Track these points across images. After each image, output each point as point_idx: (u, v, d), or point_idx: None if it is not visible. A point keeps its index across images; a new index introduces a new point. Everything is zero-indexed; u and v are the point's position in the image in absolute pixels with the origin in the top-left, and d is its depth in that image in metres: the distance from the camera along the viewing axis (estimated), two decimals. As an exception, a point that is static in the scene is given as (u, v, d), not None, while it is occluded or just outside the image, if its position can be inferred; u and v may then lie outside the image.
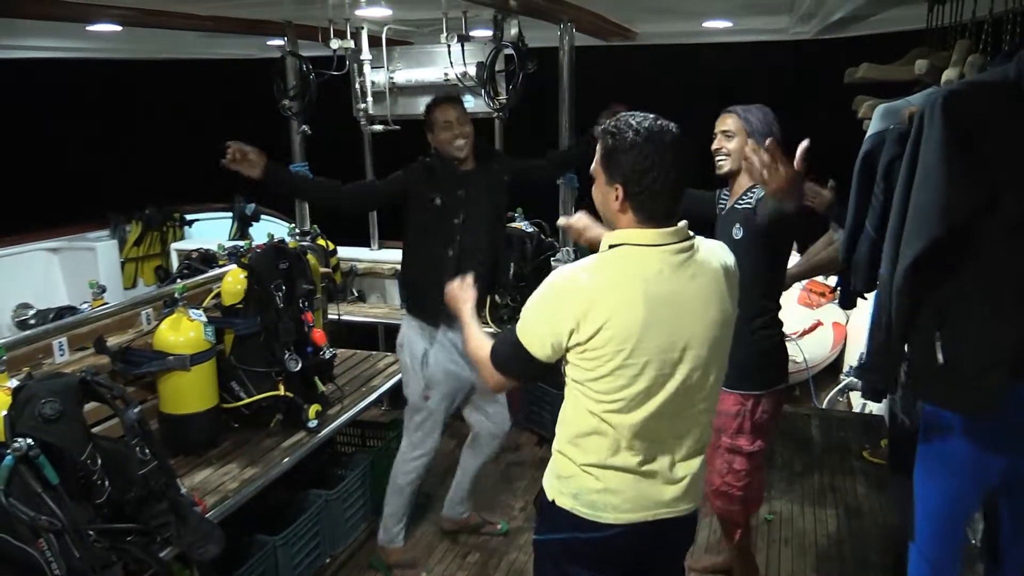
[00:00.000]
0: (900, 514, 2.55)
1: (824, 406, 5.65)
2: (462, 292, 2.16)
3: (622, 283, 1.71)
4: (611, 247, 1.76)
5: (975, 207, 1.79)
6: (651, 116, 1.73)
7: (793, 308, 6.18)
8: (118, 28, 4.13)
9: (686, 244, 1.75)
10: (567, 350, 1.75)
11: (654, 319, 1.69)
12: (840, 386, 5.74)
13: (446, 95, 3.26)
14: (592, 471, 1.82)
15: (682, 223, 1.77)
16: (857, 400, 5.52)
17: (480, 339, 1.98)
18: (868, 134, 2.28)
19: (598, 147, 1.78)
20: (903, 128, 2.05)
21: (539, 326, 1.77)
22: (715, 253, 1.84)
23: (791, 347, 5.70)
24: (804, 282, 6.03)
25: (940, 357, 1.87)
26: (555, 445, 1.91)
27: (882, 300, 2.00)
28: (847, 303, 2.94)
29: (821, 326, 6.26)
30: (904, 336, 1.94)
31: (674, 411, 1.78)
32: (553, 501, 1.88)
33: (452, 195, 3.07)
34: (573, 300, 1.71)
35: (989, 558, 2.40)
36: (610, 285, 1.71)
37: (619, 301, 1.69)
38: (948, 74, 2.24)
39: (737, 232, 2.63)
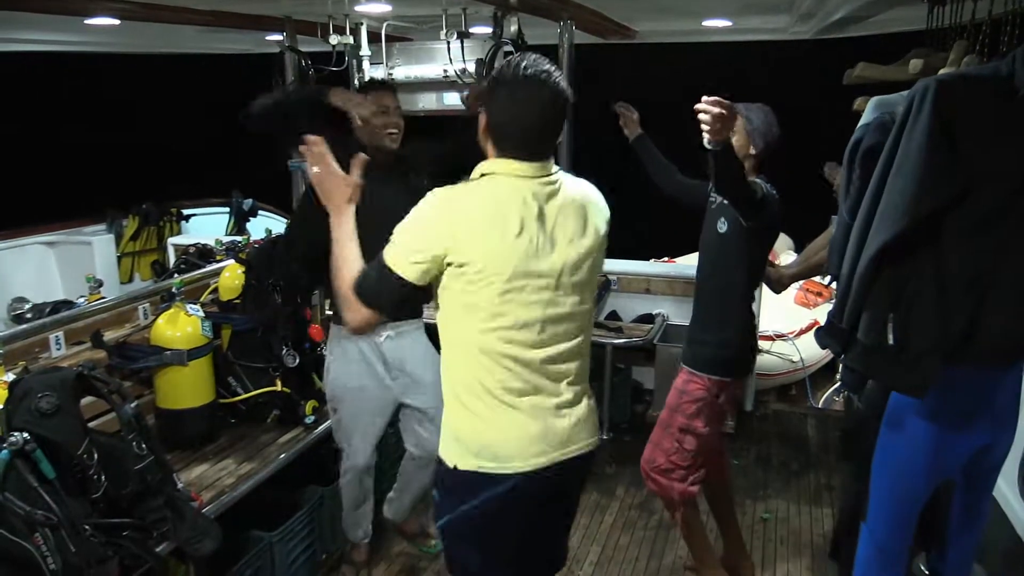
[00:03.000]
0: (844, 499, 2.59)
1: (820, 405, 5.67)
2: (343, 181, 1.89)
3: (495, 207, 1.73)
4: (481, 175, 1.80)
5: (948, 198, 1.81)
6: (534, 61, 1.76)
7: (790, 307, 6.18)
8: (116, 22, 4.12)
9: (552, 178, 1.81)
10: (442, 272, 1.74)
11: (528, 243, 1.72)
12: (836, 386, 5.76)
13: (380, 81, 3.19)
14: (488, 417, 1.79)
15: (547, 161, 1.81)
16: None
17: (349, 259, 1.83)
18: (859, 124, 2.29)
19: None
20: (884, 118, 2.06)
21: (412, 245, 1.73)
22: (580, 185, 1.90)
23: (787, 347, 5.75)
24: (801, 282, 6.05)
25: (891, 338, 1.91)
26: (445, 401, 1.87)
27: (844, 279, 2.03)
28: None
29: (817, 325, 6.27)
30: (858, 317, 1.97)
31: (557, 340, 1.80)
32: (455, 467, 1.83)
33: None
34: (448, 219, 1.72)
35: (935, 546, 2.43)
36: (484, 208, 1.73)
37: (493, 225, 1.71)
38: (943, 73, 2.24)
39: (721, 226, 2.74)
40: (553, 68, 1.77)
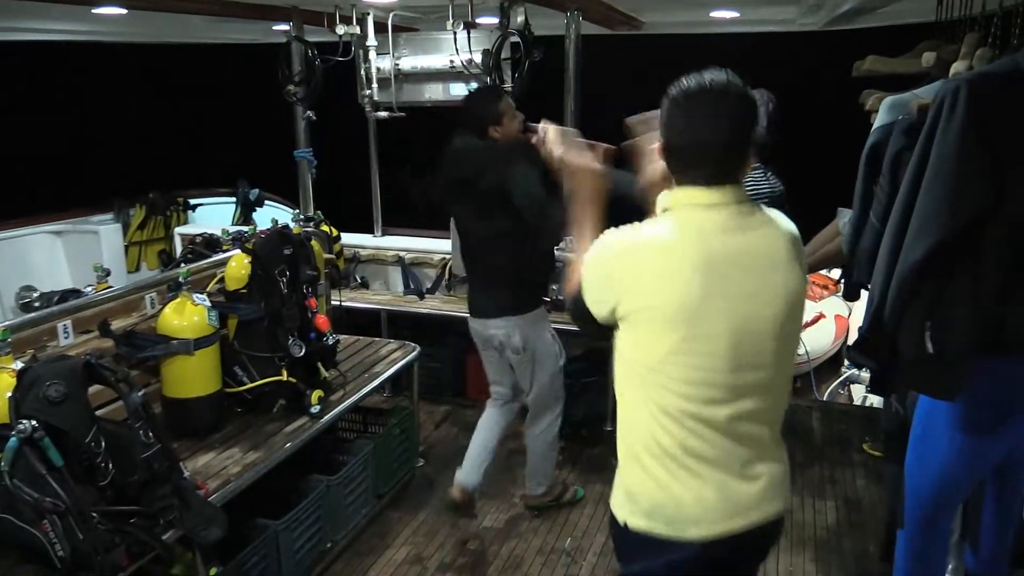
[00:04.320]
0: (891, 503, 2.58)
1: (825, 398, 5.67)
2: (594, 172, 1.81)
3: (678, 253, 1.54)
4: (664, 211, 1.62)
5: (987, 202, 1.77)
6: (709, 73, 1.59)
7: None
8: (123, 12, 4.12)
9: (744, 207, 1.59)
10: (614, 318, 1.61)
11: (716, 286, 1.52)
12: (841, 378, 5.76)
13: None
14: (664, 479, 1.60)
15: (736, 186, 1.60)
16: (858, 392, 5.53)
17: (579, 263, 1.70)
18: (875, 126, 2.27)
19: None
20: (911, 119, 2.04)
21: (594, 289, 1.63)
22: (777, 216, 1.68)
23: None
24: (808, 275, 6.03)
25: (929, 347, 1.88)
26: (620, 455, 1.70)
27: (878, 289, 2.00)
28: (851, 295, 2.95)
29: (823, 318, 6.26)
30: (898, 326, 1.94)
31: (743, 396, 1.58)
32: (625, 524, 1.67)
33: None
34: (620, 270, 1.58)
35: (970, 544, 2.42)
36: (657, 255, 1.56)
37: (666, 275, 1.54)
38: (956, 67, 2.22)
39: None
40: (732, 76, 1.58)
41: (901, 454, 2.25)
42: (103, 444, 2.16)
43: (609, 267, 1.60)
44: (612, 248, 1.61)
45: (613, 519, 1.72)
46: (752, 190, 2.51)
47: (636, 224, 1.62)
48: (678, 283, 1.52)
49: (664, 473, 1.60)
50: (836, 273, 5.89)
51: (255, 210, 6.43)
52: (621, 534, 1.68)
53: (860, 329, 2.11)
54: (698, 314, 1.52)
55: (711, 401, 1.56)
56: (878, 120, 2.25)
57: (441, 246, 5.04)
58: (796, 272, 1.62)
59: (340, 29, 4.05)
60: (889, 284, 1.94)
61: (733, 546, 1.62)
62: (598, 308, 1.63)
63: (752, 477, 1.63)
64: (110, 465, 2.17)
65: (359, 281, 5.23)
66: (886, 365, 2.00)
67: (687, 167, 1.59)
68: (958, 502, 2.25)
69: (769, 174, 2.62)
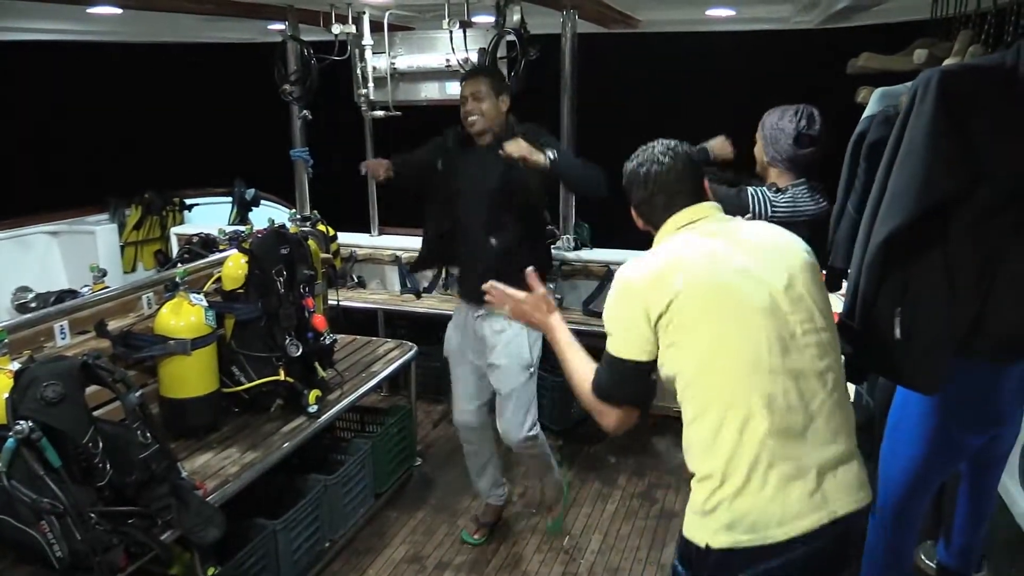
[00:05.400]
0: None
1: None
2: (536, 302, 2.01)
3: (672, 257, 1.70)
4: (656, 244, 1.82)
5: (954, 189, 1.80)
6: (645, 151, 1.85)
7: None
8: (118, 11, 4.11)
9: (723, 215, 1.81)
10: (656, 335, 1.65)
11: (728, 268, 1.64)
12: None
13: (471, 68, 3.49)
14: (740, 484, 1.55)
15: (707, 202, 1.82)
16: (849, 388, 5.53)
17: (583, 371, 1.82)
18: (863, 116, 2.28)
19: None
20: (890, 111, 2.06)
21: (621, 327, 1.71)
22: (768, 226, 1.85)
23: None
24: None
25: (897, 332, 1.90)
26: (692, 480, 1.67)
27: (853, 276, 2.02)
28: (833, 285, 2.95)
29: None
30: (869, 310, 1.96)
31: (797, 369, 1.58)
32: (707, 547, 1.58)
33: (454, 165, 3.17)
34: (642, 282, 1.68)
35: (942, 535, 2.44)
36: (660, 261, 1.70)
37: (676, 272, 1.65)
38: (948, 64, 2.23)
39: None
40: (657, 146, 1.84)
41: (869, 446, 2.28)
42: (101, 445, 2.16)
43: (624, 301, 1.71)
44: (614, 289, 1.74)
45: (686, 548, 1.64)
46: (788, 209, 2.50)
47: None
48: (698, 270, 1.64)
49: (741, 479, 1.55)
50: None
51: (251, 210, 6.43)
52: (703, 559, 1.59)
53: (840, 315, 2.13)
54: (729, 294, 1.61)
55: (752, 385, 1.57)
56: (867, 111, 2.27)
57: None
58: (802, 247, 1.76)
59: (336, 28, 4.04)
60: (860, 268, 1.96)
61: (820, 543, 1.55)
62: (640, 348, 1.68)
63: (828, 472, 1.58)
64: (108, 465, 2.17)
65: (356, 280, 5.23)
66: (861, 351, 2.02)
67: (659, 209, 1.81)
68: (931, 491, 2.26)
69: (816, 191, 2.58)
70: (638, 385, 1.72)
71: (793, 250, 1.74)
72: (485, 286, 2.12)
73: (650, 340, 1.66)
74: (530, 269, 2.04)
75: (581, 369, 1.82)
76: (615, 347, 1.71)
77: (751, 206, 2.58)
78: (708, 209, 1.80)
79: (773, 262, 1.68)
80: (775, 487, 1.54)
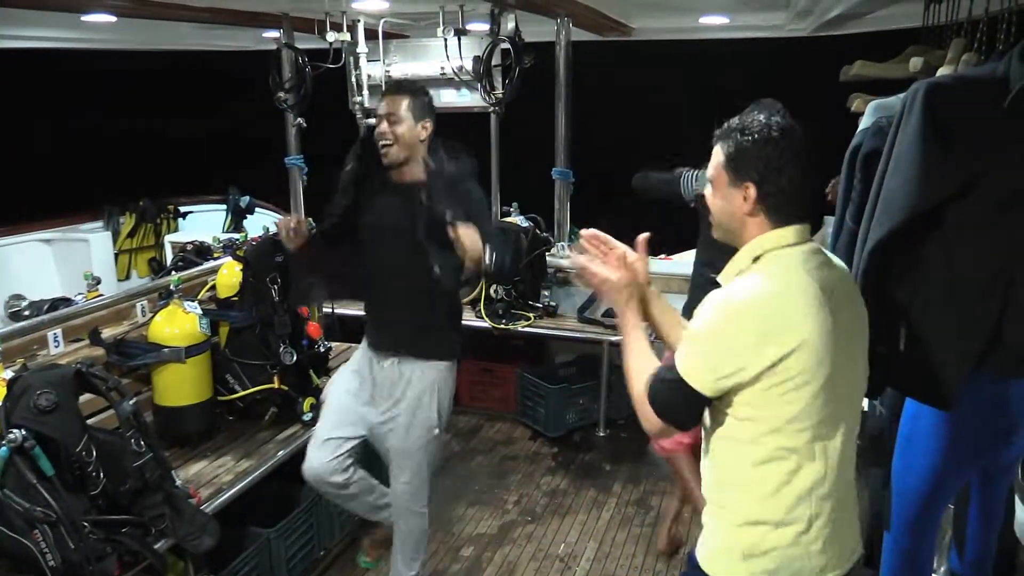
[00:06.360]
0: (874, 507, 2.60)
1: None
2: (615, 282, 1.70)
3: (801, 288, 1.48)
4: (755, 259, 1.55)
5: (942, 198, 1.81)
6: (778, 112, 1.56)
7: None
8: (113, 19, 4.12)
9: (815, 245, 1.59)
10: (746, 382, 1.48)
11: (836, 321, 1.48)
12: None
13: (392, 83, 3.06)
14: (797, 532, 1.53)
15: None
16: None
17: (642, 363, 1.62)
18: (859, 128, 2.30)
19: (718, 149, 1.57)
20: (883, 123, 2.07)
21: (710, 357, 1.50)
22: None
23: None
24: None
25: (901, 345, 1.90)
26: (727, 519, 1.60)
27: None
28: None
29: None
30: (871, 322, 1.97)
31: (853, 422, 1.58)
32: None
33: (369, 193, 2.68)
34: (755, 319, 1.47)
35: (956, 545, 2.44)
36: (792, 293, 1.48)
37: (807, 310, 1.46)
38: (942, 72, 2.25)
39: None
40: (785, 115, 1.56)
41: (883, 458, 2.27)
42: (94, 453, 2.15)
43: (731, 331, 1.48)
44: (724, 311, 1.51)
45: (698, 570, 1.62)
46: None
47: (735, 280, 1.55)
48: (809, 323, 1.46)
49: (800, 529, 1.53)
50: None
51: (246, 217, 6.42)
52: None
53: None
54: (833, 350, 1.47)
55: (835, 436, 1.54)
56: (862, 123, 2.28)
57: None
58: (861, 300, 1.65)
59: (331, 36, 4.06)
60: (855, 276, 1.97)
61: None
62: (714, 382, 1.50)
63: (851, 512, 1.63)
64: (101, 474, 2.17)
65: (351, 288, 5.22)
66: (873, 365, 2.02)
67: (782, 206, 1.54)
68: (946, 502, 2.26)
69: None
70: (690, 412, 1.57)
71: (865, 323, 1.64)
72: (585, 233, 1.82)
73: (732, 377, 1.48)
74: (642, 236, 1.76)
75: (641, 366, 1.63)
76: (688, 368, 1.51)
77: (682, 188, 2.74)
78: (807, 230, 1.58)
79: (862, 335, 1.62)
80: (825, 540, 1.55)
